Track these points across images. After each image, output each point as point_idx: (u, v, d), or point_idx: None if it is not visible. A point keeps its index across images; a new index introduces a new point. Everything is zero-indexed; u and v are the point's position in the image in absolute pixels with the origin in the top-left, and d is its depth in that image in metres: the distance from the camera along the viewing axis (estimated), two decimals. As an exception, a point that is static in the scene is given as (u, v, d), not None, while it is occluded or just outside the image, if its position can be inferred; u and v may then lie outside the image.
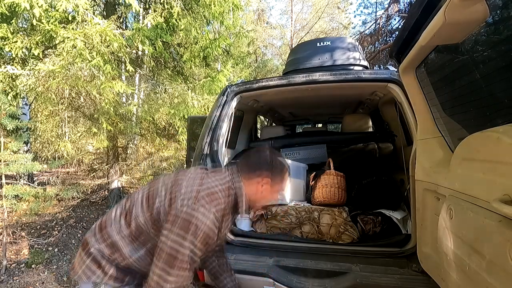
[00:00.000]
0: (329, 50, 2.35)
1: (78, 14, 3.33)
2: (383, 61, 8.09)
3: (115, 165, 5.15)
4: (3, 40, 3.26)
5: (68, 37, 3.08)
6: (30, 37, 3.35)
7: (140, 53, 4.75)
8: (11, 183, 3.22)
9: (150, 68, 4.98)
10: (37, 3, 2.96)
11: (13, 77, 3.52)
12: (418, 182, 1.46)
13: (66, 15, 3.38)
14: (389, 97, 2.05)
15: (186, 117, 4.48)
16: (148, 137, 5.53)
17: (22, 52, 3.29)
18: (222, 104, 2.02)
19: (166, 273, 0.95)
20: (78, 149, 5.66)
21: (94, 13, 3.92)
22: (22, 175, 4.96)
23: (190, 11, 4.27)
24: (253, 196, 1.12)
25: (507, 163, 0.77)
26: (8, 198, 3.06)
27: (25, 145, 4.88)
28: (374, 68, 7.92)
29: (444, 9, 0.91)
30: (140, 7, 4.49)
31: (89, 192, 5.56)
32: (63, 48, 3.16)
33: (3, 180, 3.12)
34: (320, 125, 5.89)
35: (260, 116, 4.32)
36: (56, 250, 3.58)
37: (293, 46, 8.29)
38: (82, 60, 3.16)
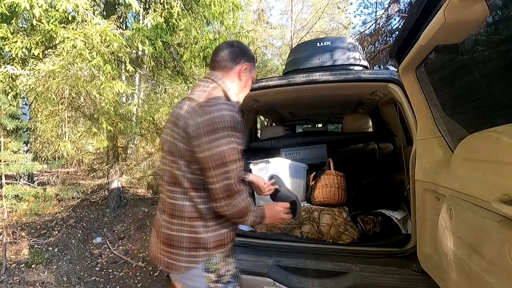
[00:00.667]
0: (329, 50, 2.35)
1: (78, 14, 3.33)
2: (383, 61, 8.09)
3: (115, 165, 5.15)
4: (3, 40, 3.26)
5: (68, 37, 3.08)
6: (30, 37, 3.35)
7: (140, 53, 4.75)
8: (11, 183, 3.22)
9: (150, 68, 4.98)
10: (37, 3, 2.96)
11: (13, 77, 3.52)
12: (418, 182, 1.46)
13: (66, 15, 3.38)
14: (389, 97, 2.05)
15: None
16: (148, 137, 5.52)
17: (22, 52, 3.29)
18: (222, 104, 2.02)
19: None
20: (78, 149, 5.66)
21: (94, 13, 3.92)
22: (22, 175, 4.96)
23: (190, 11, 4.27)
24: (237, 86, 1.16)
25: (507, 163, 0.77)
26: (8, 198, 3.06)
27: (25, 145, 4.88)
28: (374, 68, 7.92)
29: (444, 9, 0.91)
30: (140, 7, 4.49)
31: (89, 192, 5.56)
32: (63, 48, 3.16)
33: (3, 180, 3.12)
34: (320, 125, 5.89)
35: (260, 116, 4.32)
36: (56, 250, 3.58)
37: (293, 46, 8.30)
38: (82, 60, 3.15)
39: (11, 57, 3.62)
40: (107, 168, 5.26)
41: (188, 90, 4.78)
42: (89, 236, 4.12)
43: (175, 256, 1.03)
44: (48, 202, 3.60)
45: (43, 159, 6.73)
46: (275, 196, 1.36)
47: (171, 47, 4.80)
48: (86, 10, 3.31)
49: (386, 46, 7.51)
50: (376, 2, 10.44)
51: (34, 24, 3.15)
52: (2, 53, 3.51)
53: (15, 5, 2.90)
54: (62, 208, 4.85)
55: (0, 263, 3.00)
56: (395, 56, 1.42)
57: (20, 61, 3.70)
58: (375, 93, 2.31)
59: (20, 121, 3.28)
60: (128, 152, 6.07)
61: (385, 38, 8.36)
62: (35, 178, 5.90)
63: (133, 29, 3.77)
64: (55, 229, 4.16)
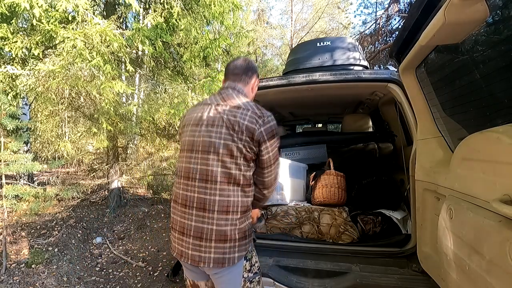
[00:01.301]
0: (329, 50, 2.35)
1: (78, 14, 3.33)
2: (383, 61, 8.09)
3: (115, 165, 5.15)
4: (3, 40, 3.26)
5: (68, 37, 3.07)
6: (30, 37, 3.35)
7: (140, 53, 4.75)
8: (11, 183, 3.22)
9: (150, 68, 4.98)
10: (37, 3, 2.96)
11: (13, 77, 3.51)
12: (418, 182, 1.46)
13: (66, 15, 3.37)
14: (389, 97, 2.05)
15: (186, 117, 4.45)
16: (148, 137, 5.52)
17: (22, 52, 3.29)
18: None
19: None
20: (78, 149, 5.66)
21: (94, 13, 3.91)
22: (22, 175, 4.96)
23: (190, 11, 4.27)
24: (249, 97, 1.34)
25: (507, 163, 0.77)
26: (8, 198, 3.05)
27: (25, 145, 4.87)
28: (374, 68, 7.92)
29: (444, 9, 0.91)
30: (140, 7, 4.49)
31: (89, 192, 5.56)
32: (63, 48, 3.16)
33: (3, 180, 3.12)
34: (320, 125, 5.89)
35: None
36: (56, 250, 3.58)
37: (293, 46, 8.29)
38: (82, 60, 3.15)
39: (11, 57, 3.62)
40: (107, 168, 5.25)
41: (188, 90, 4.77)
42: (89, 236, 4.12)
43: (230, 250, 1.11)
44: (48, 202, 3.60)
45: (43, 159, 6.72)
46: None
47: (171, 47, 4.80)
48: (86, 10, 3.31)
49: (386, 46, 7.51)
50: (376, 2, 10.43)
51: (34, 24, 3.15)
52: (2, 53, 3.51)
53: (15, 5, 2.90)
54: (62, 208, 4.85)
55: (0, 263, 3.00)
56: (395, 56, 1.42)
57: (20, 61, 3.70)
58: (375, 93, 2.31)
59: (20, 121, 3.28)
60: (128, 152, 6.07)
61: (385, 38, 8.36)
62: (35, 178, 5.90)
63: (133, 29, 3.76)
64: (55, 229, 4.16)
